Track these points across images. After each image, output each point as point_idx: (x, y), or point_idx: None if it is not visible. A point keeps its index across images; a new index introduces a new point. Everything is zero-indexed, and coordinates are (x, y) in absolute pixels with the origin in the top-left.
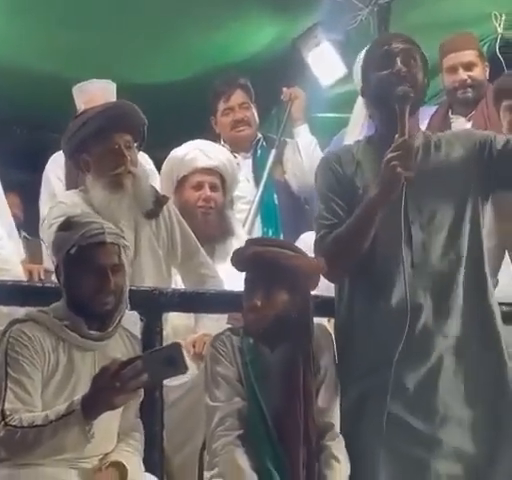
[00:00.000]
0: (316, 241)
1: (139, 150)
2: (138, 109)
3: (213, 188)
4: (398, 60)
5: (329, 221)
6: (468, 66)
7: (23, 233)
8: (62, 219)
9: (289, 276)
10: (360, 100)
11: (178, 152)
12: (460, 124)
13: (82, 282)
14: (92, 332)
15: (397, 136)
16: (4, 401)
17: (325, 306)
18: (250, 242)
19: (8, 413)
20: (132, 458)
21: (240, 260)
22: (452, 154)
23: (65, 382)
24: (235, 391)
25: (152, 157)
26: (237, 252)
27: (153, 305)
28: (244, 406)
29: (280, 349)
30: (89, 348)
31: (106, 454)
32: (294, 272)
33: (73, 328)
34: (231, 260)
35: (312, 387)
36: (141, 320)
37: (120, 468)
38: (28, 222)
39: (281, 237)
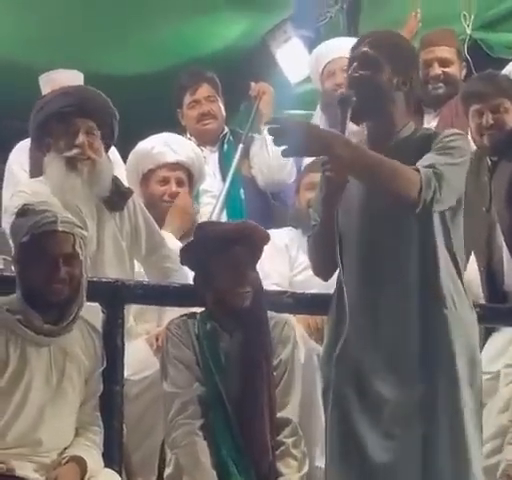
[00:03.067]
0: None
1: (110, 144)
2: (106, 98)
3: (179, 183)
4: (354, 65)
5: (314, 222)
6: (444, 62)
7: None
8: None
9: (258, 249)
10: None
11: (144, 145)
12: (427, 119)
13: (34, 271)
14: (47, 327)
15: None
16: None
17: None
18: (204, 225)
19: None
20: (91, 452)
21: (204, 241)
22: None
23: (17, 379)
24: (194, 376)
25: (118, 148)
26: (200, 238)
27: (115, 297)
28: (204, 392)
29: (238, 334)
30: (44, 343)
31: (65, 448)
32: (262, 244)
33: (27, 323)
34: (187, 251)
35: (272, 376)
36: (103, 312)
37: (80, 463)
38: None
39: None
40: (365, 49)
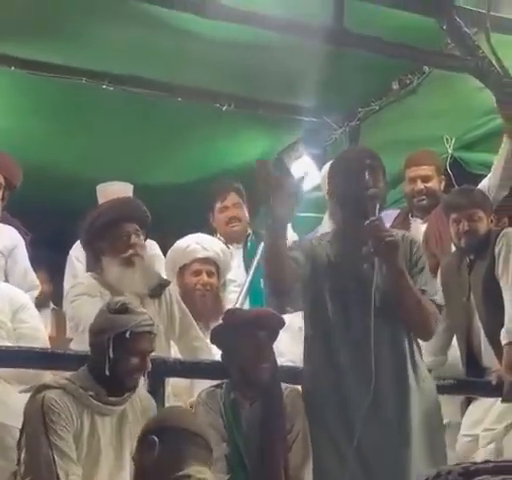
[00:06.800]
0: None
1: (146, 238)
2: (141, 203)
3: (209, 274)
4: (366, 173)
5: None
6: (425, 178)
7: (51, 304)
8: (85, 297)
9: (275, 332)
10: None
11: (180, 244)
12: (417, 225)
13: (125, 360)
14: (112, 399)
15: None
16: (58, 474)
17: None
18: (232, 311)
19: None
20: None
21: (236, 324)
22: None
23: (90, 443)
24: (221, 437)
25: (162, 245)
26: (229, 322)
27: (157, 371)
28: (229, 451)
29: (257, 403)
30: (108, 413)
31: None
32: (279, 328)
33: (96, 397)
34: (218, 332)
35: (286, 440)
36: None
37: None
38: (55, 295)
39: None
40: (371, 162)
